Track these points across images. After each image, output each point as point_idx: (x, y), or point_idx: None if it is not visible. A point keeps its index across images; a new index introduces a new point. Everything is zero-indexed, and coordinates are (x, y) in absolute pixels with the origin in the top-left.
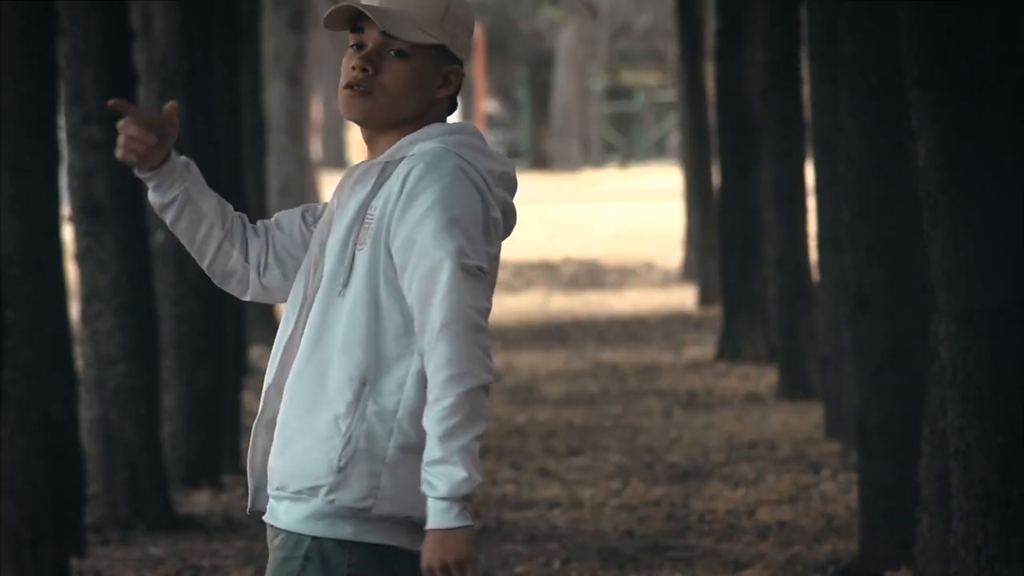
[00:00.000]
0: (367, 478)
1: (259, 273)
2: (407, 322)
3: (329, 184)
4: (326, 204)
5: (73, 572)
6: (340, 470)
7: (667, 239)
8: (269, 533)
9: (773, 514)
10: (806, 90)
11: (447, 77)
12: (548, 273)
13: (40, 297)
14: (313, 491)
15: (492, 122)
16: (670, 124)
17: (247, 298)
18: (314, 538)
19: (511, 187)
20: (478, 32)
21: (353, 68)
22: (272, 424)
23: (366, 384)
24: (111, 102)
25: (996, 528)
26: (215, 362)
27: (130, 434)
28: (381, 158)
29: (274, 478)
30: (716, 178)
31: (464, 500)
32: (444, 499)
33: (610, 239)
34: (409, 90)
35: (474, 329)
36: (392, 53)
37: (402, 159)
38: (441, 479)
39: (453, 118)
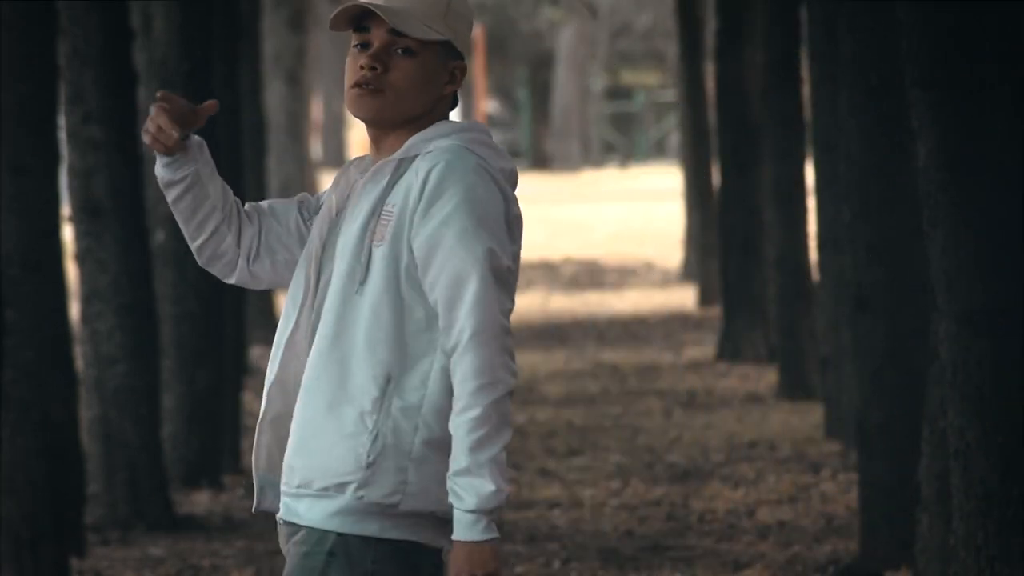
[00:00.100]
0: (394, 473)
1: (248, 260)
2: (429, 318)
3: (329, 184)
4: (321, 196)
5: (73, 572)
6: (369, 466)
7: (667, 239)
8: (284, 531)
9: (773, 514)
10: (806, 90)
11: (452, 73)
12: (548, 273)
13: (40, 297)
14: (341, 488)
15: (492, 122)
16: (670, 124)
17: (230, 281)
18: (339, 534)
19: (515, 185)
20: (478, 32)
21: (361, 67)
22: (276, 422)
23: (391, 380)
24: (160, 94)
25: (996, 528)
26: (215, 362)
27: (130, 434)
28: (395, 155)
29: (293, 476)
30: (716, 178)
31: (492, 513)
32: (472, 512)
33: (610, 239)
34: (418, 87)
35: (501, 335)
36: (399, 51)
37: (416, 156)
38: (469, 492)
39: (453, 115)
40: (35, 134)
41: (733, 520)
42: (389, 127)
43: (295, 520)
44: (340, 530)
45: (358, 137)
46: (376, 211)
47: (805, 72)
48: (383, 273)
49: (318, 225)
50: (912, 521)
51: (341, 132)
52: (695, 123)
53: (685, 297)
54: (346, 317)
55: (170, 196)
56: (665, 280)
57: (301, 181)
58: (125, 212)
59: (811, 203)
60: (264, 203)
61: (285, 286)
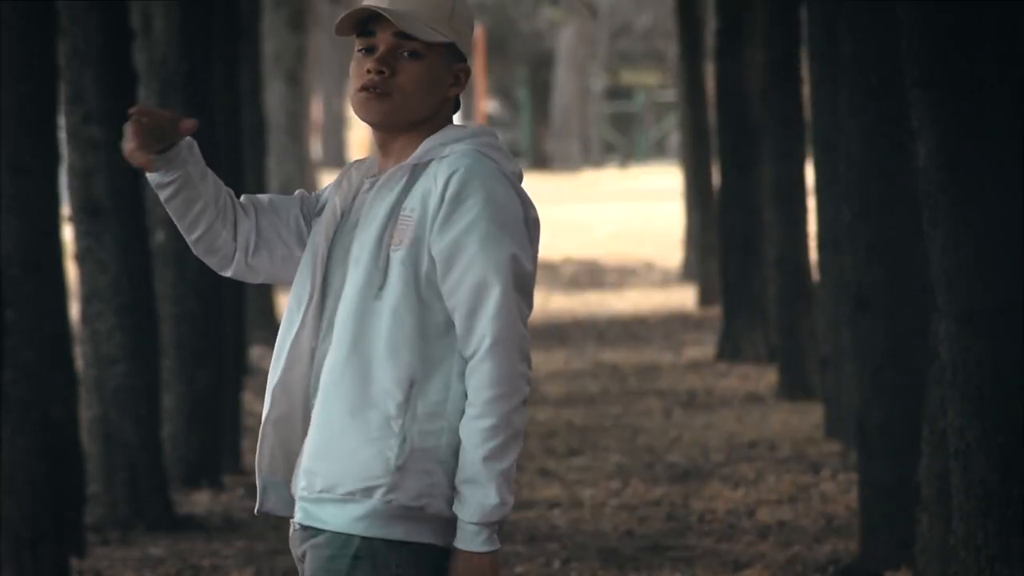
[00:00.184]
0: (422, 476)
1: (246, 254)
2: (448, 322)
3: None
4: (320, 195)
5: (73, 572)
6: (398, 469)
7: (667, 239)
8: (299, 535)
9: (773, 514)
10: (806, 90)
11: (456, 75)
12: (548, 273)
13: (40, 297)
14: (368, 492)
15: (492, 122)
16: (670, 124)
17: (227, 274)
18: (364, 538)
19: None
20: (478, 32)
21: (368, 71)
22: (280, 424)
23: (414, 384)
24: (135, 109)
25: (996, 528)
26: (215, 362)
27: (130, 434)
28: (409, 161)
29: (314, 481)
30: (716, 178)
31: (494, 525)
32: (474, 524)
33: (610, 239)
34: (425, 90)
35: (520, 343)
36: (406, 54)
37: (431, 161)
38: (473, 503)
39: (456, 117)
40: (35, 134)
41: (733, 520)
42: (396, 130)
43: (316, 524)
44: (366, 534)
45: (358, 137)
46: (393, 216)
47: (805, 72)
48: (402, 277)
49: (322, 226)
50: (912, 521)
51: (341, 132)
52: (695, 123)
53: (685, 297)
54: (365, 322)
55: (162, 196)
56: (665, 280)
57: (301, 181)
58: (125, 212)
59: (811, 203)
60: (264, 197)
61: (282, 280)
